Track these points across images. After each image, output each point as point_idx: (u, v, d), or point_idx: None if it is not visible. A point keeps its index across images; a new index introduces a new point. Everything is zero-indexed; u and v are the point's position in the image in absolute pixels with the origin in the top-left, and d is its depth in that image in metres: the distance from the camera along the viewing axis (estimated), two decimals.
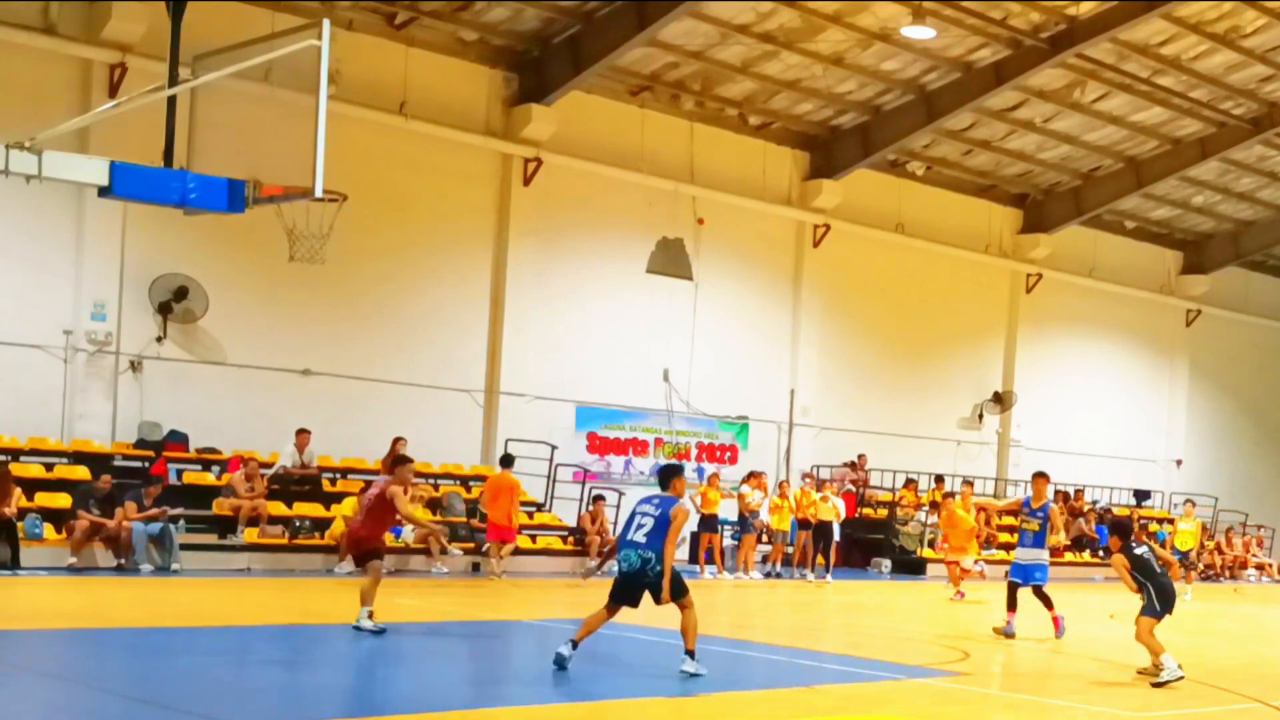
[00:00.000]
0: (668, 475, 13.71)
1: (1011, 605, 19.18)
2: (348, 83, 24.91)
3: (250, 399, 26.37)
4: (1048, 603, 19.23)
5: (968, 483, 29.66)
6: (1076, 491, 40.08)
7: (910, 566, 32.84)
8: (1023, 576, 19.24)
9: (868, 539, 33.98)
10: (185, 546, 22.66)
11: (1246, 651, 20.09)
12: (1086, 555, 37.31)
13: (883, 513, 34.66)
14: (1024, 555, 19.46)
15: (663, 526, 13.10)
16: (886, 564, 32.89)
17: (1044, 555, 19.29)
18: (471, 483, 28.35)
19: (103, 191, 10.92)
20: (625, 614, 13.33)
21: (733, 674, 14.08)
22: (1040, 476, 19.74)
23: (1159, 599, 14.94)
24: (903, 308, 37.62)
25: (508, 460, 26.12)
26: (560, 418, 30.75)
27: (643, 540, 13.10)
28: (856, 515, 33.71)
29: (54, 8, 24.27)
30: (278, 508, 24.51)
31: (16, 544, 21.39)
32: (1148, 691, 14.13)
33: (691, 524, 30.75)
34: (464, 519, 26.59)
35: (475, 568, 25.68)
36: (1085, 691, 14.05)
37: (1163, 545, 39.53)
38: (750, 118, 33.58)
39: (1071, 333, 42.09)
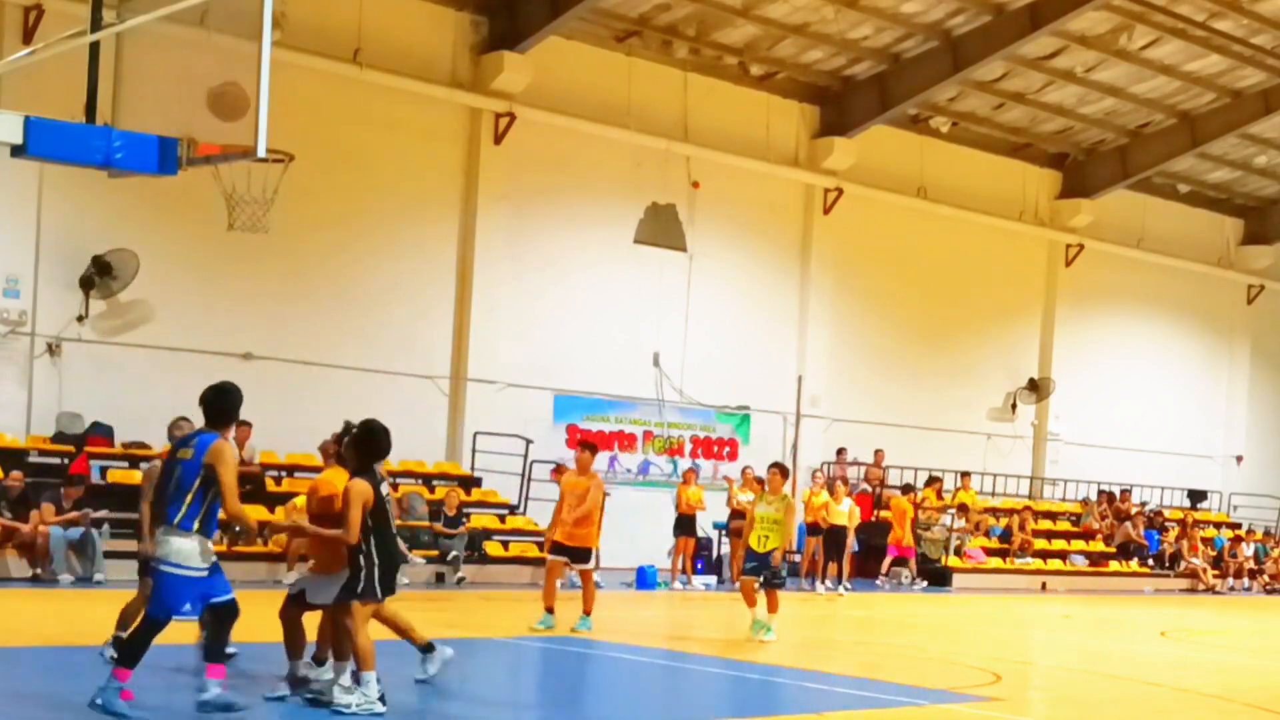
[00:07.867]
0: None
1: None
2: (295, 27, 24.82)
3: (184, 386, 25.84)
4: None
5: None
6: (1123, 492, 40.17)
7: (935, 576, 32.91)
8: None
9: (886, 545, 33.96)
10: (109, 554, 22.54)
11: None
12: (1135, 565, 37.40)
13: None
14: None
15: None
16: (907, 574, 32.95)
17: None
18: (435, 481, 28.35)
19: (16, 151, 10.88)
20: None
21: (730, 698, 14.11)
22: None
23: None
24: (925, 283, 37.64)
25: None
26: (536, 408, 30.75)
27: None
28: (873, 518, 33.75)
29: None
30: None
31: None
32: (1203, 717, 14.19)
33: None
34: (427, 523, 26.58)
35: (439, 578, 25.70)
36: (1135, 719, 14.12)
37: (1221, 552, 39.84)
38: (752, 67, 33.55)
39: (1117, 311, 42.15)
